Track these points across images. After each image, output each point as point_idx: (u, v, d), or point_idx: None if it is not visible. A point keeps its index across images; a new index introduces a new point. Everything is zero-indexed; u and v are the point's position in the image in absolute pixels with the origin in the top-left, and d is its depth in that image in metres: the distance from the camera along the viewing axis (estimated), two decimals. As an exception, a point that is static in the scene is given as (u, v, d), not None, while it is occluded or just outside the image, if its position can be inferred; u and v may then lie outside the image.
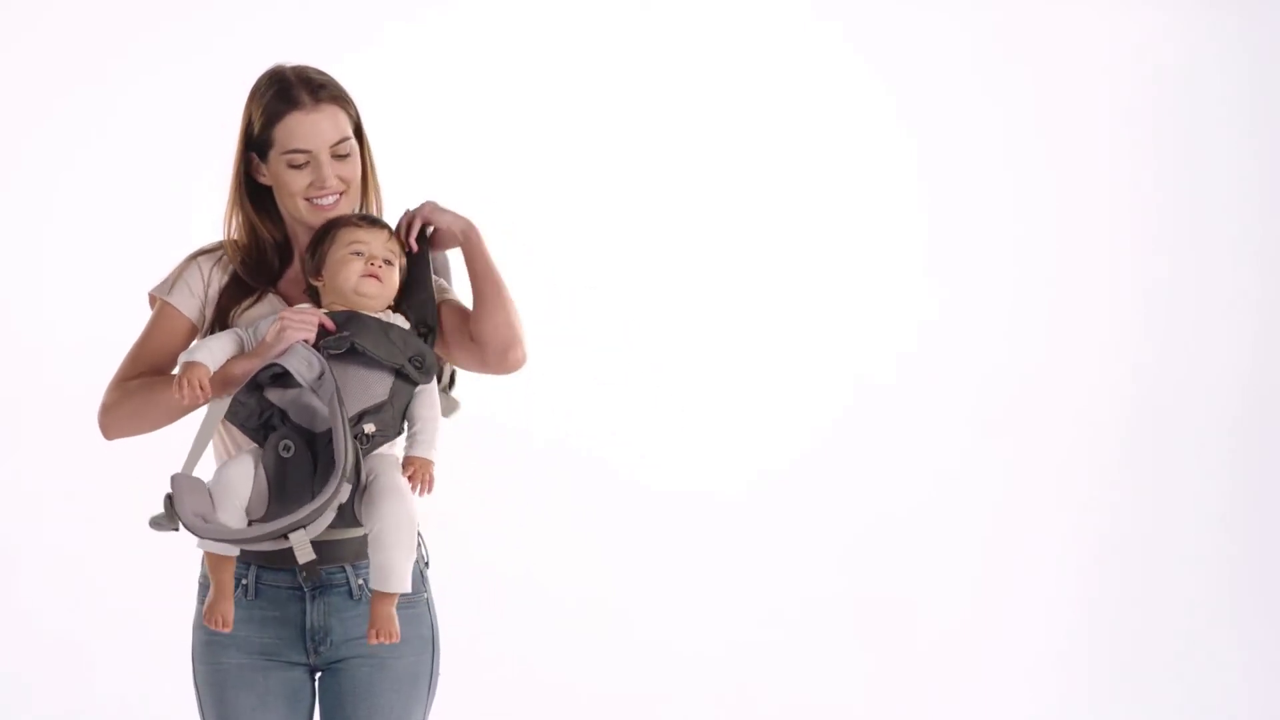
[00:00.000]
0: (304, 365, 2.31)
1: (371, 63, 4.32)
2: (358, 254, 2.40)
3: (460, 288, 2.58)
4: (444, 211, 2.50)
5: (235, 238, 2.53)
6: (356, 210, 2.51)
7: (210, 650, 2.48)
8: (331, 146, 2.44)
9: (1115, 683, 4.83)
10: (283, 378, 2.32)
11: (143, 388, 2.44)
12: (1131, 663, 4.85)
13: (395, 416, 2.38)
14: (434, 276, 2.53)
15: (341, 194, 2.46)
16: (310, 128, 2.43)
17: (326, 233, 2.43)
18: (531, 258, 4.54)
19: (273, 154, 2.45)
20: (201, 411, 2.41)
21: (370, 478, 2.35)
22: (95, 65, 4.42)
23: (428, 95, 4.56)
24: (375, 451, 2.37)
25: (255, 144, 2.47)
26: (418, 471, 2.36)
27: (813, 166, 4.83)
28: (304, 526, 2.27)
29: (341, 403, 2.30)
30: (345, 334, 2.35)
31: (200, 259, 2.53)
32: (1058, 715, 4.76)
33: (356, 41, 4.38)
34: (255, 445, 2.36)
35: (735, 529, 4.75)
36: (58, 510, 4.41)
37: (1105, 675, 4.85)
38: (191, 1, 4.49)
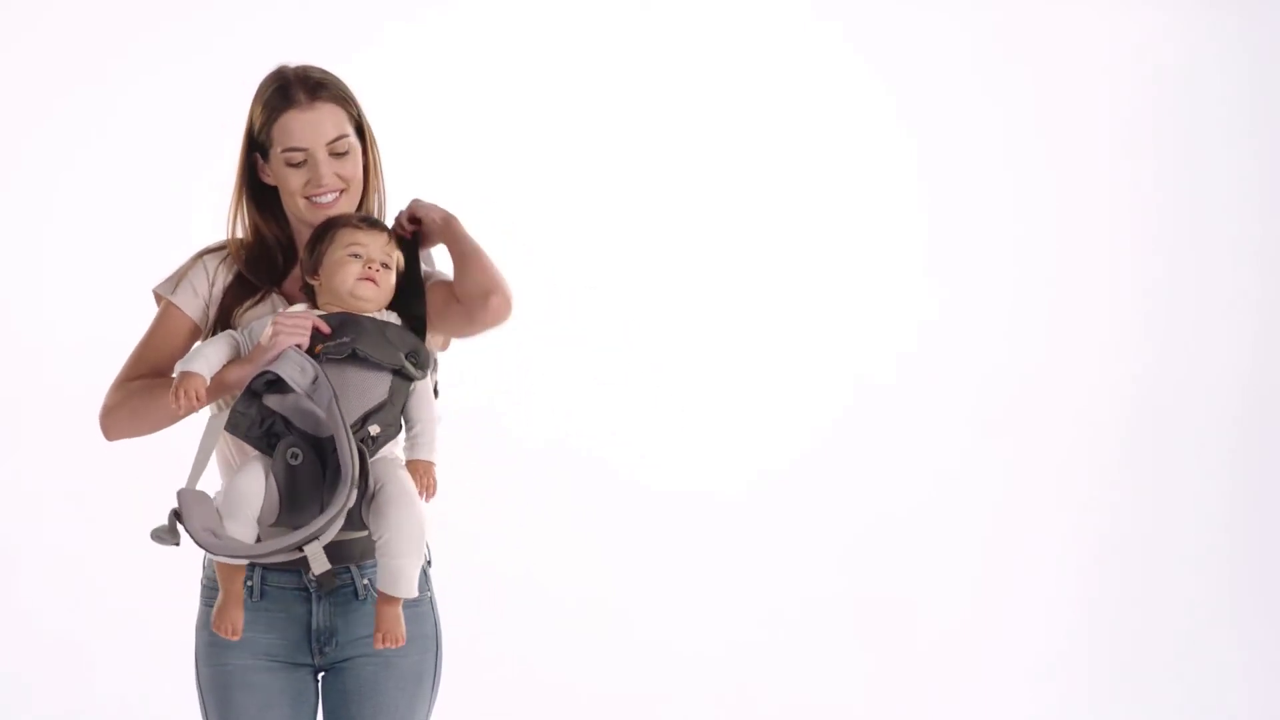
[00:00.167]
0: (297, 371, 2.30)
1: (371, 63, 4.31)
2: (355, 256, 2.39)
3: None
4: (425, 206, 2.51)
5: (241, 237, 2.53)
6: (357, 209, 2.51)
7: (214, 652, 2.48)
8: (329, 144, 2.44)
9: (1115, 683, 4.83)
10: (278, 384, 2.31)
11: (143, 390, 2.44)
12: (1131, 663, 4.85)
13: (396, 414, 2.38)
14: (422, 267, 2.53)
15: (341, 192, 2.46)
16: (306, 126, 2.43)
17: (325, 232, 2.43)
18: (531, 258, 4.55)
19: (273, 153, 2.45)
20: (202, 422, 2.40)
21: (378, 484, 2.34)
22: (95, 65, 4.42)
23: (428, 95, 4.56)
24: (380, 455, 2.37)
25: (257, 143, 2.48)
26: (422, 475, 2.36)
27: (813, 166, 4.83)
28: (317, 538, 2.26)
29: (341, 408, 2.29)
30: (345, 340, 2.34)
31: (206, 257, 2.53)
32: (1058, 715, 4.76)
33: (356, 41, 4.38)
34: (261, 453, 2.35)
35: (735, 529, 4.75)
36: (58, 510, 4.41)
37: (1105, 675, 4.85)
38: (191, 1, 4.49)
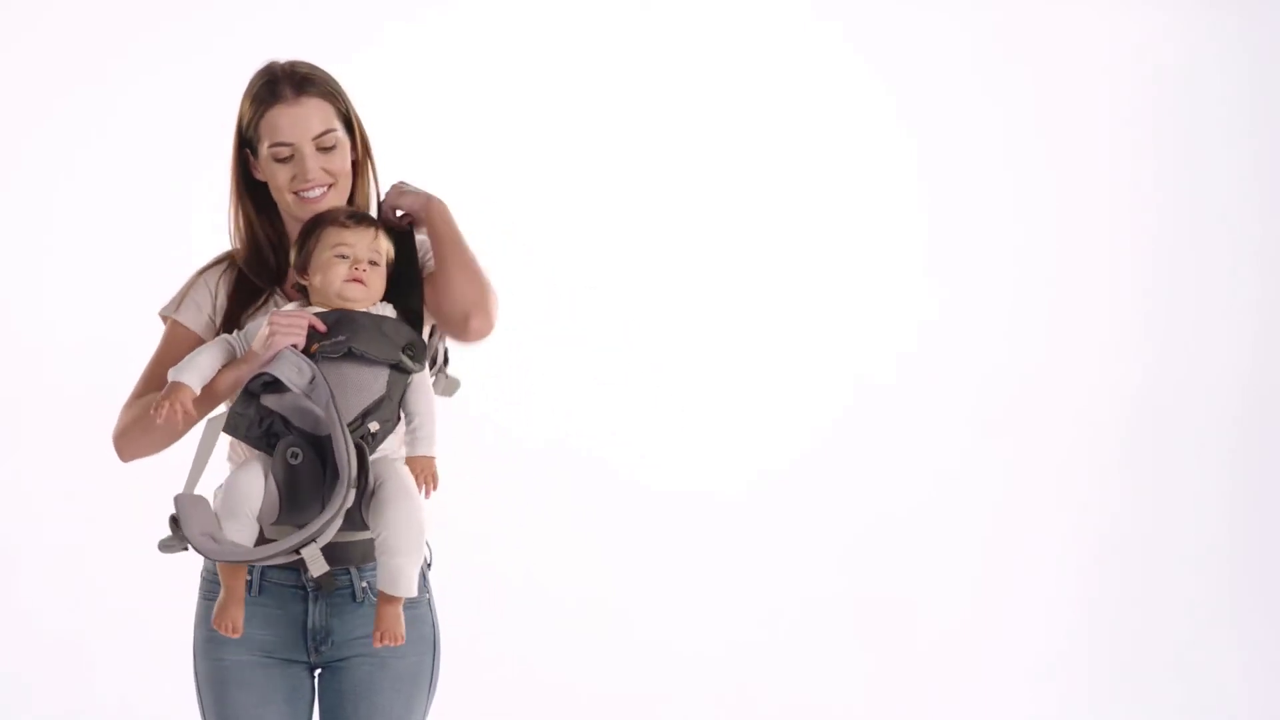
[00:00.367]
0: (294, 371, 2.30)
1: (371, 63, 4.32)
2: (342, 257, 2.38)
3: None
4: (405, 194, 2.50)
5: (239, 241, 2.54)
6: (348, 203, 2.50)
7: (211, 647, 2.48)
8: (315, 139, 2.44)
9: (1115, 683, 4.83)
10: (276, 384, 2.31)
11: (145, 406, 2.44)
12: (1131, 663, 4.85)
13: (394, 408, 2.38)
14: (420, 248, 2.52)
15: (330, 186, 2.46)
16: (292, 120, 2.43)
17: (312, 230, 2.42)
18: (531, 258, 4.55)
19: (261, 149, 2.46)
20: (202, 427, 2.40)
21: (377, 482, 2.33)
22: (95, 65, 4.42)
23: (428, 95, 4.56)
24: (381, 454, 2.37)
25: (247, 140, 2.48)
26: (422, 471, 2.36)
27: (813, 166, 4.83)
28: (315, 540, 2.26)
29: (338, 407, 2.29)
30: (341, 338, 2.33)
31: (206, 274, 2.54)
32: (1058, 715, 4.76)
33: (356, 41, 4.38)
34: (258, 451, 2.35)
35: (735, 529, 4.75)
36: (58, 510, 4.41)
37: (1105, 675, 4.85)
38: (191, 1, 4.49)
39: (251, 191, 2.52)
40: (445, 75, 4.61)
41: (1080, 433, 4.95)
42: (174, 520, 2.29)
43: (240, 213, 2.53)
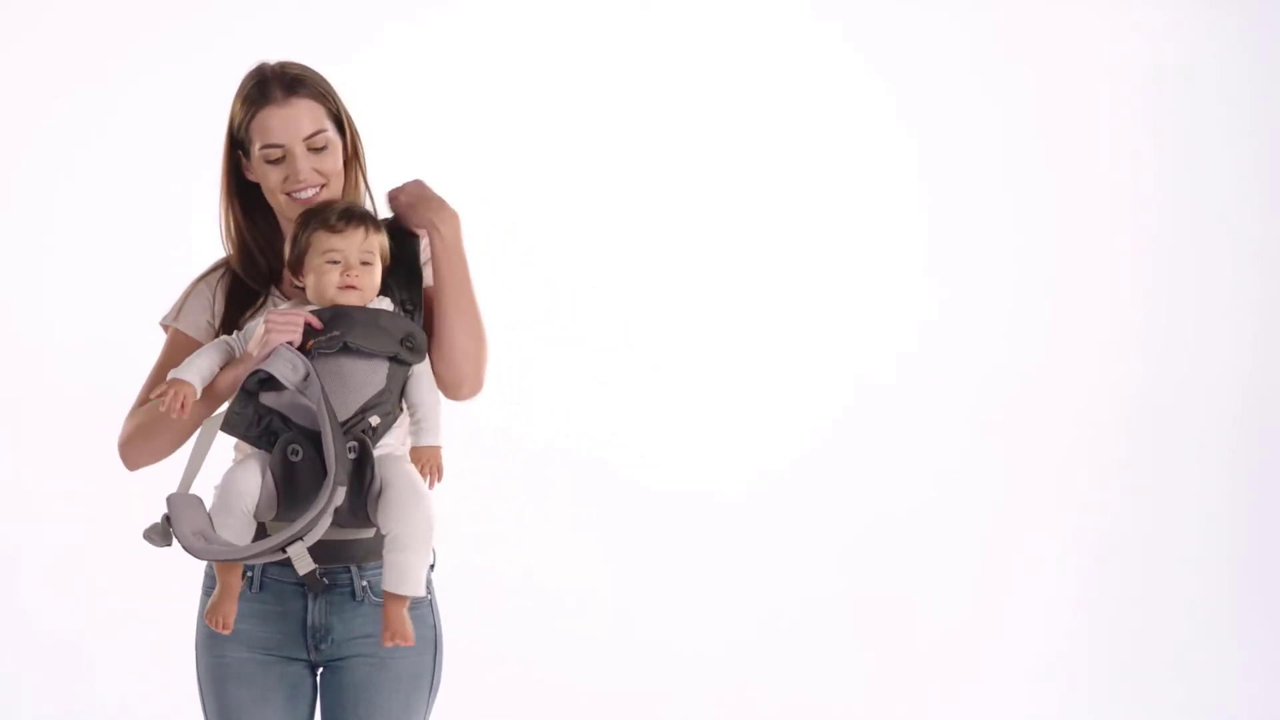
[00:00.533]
0: (288, 368, 2.29)
1: (371, 63, 4.32)
2: (333, 263, 2.37)
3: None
4: (416, 207, 2.47)
5: (232, 245, 2.54)
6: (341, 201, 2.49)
7: (212, 643, 2.48)
8: (305, 140, 2.43)
9: (1115, 683, 4.83)
10: (272, 381, 2.31)
11: (148, 411, 2.44)
12: (1131, 663, 4.85)
13: (394, 400, 2.37)
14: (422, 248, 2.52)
15: (322, 186, 2.45)
16: (282, 122, 2.43)
17: (303, 230, 2.40)
18: (531, 258, 4.56)
19: (253, 150, 2.45)
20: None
21: (385, 481, 2.33)
22: (95, 65, 4.42)
23: (428, 95, 4.56)
24: (386, 452, 2.36)
25: (239, 141, 2.48)
26: (428, 461, 2.37)
27: (813, 166, 4.83)
28: (301, 538, 2.26)
29: (330, 406, 2.28)
30: (337, 333, 2.33)
31: (203, 281, 2.54)
32: (1058, 715, 4.76)
33: (356, 41, 4.38)
34: (259, 449, 2.34)
35: (735, 529, 4.75)
36: (58, 510, 4.41)
37: (1105, 675, 4.84)
38: (191, 1, 4.49)
39: (242, 193, 2.51)
40: (445, 75, 4.61)
41: (1080, 433, 4.95)
42: (166, 519, 2.29)
43: (230, 216, 2.53)
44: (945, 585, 4.82)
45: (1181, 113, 4.99)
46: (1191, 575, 4.97)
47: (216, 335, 2.48)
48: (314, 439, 2.30)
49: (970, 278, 4.90)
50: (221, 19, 4.43)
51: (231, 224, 2.53)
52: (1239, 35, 4.99)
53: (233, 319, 2.49)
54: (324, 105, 2.46)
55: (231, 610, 2.35)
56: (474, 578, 4.11)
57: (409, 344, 2.37)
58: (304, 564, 2.28)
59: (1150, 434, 4.99)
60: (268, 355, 2.31)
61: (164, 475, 2.44)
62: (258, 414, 2.32)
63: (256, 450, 2.35)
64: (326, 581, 2.44)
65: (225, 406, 2.39)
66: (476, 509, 4.28)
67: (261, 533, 2.34)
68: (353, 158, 2.51)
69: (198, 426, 2.42)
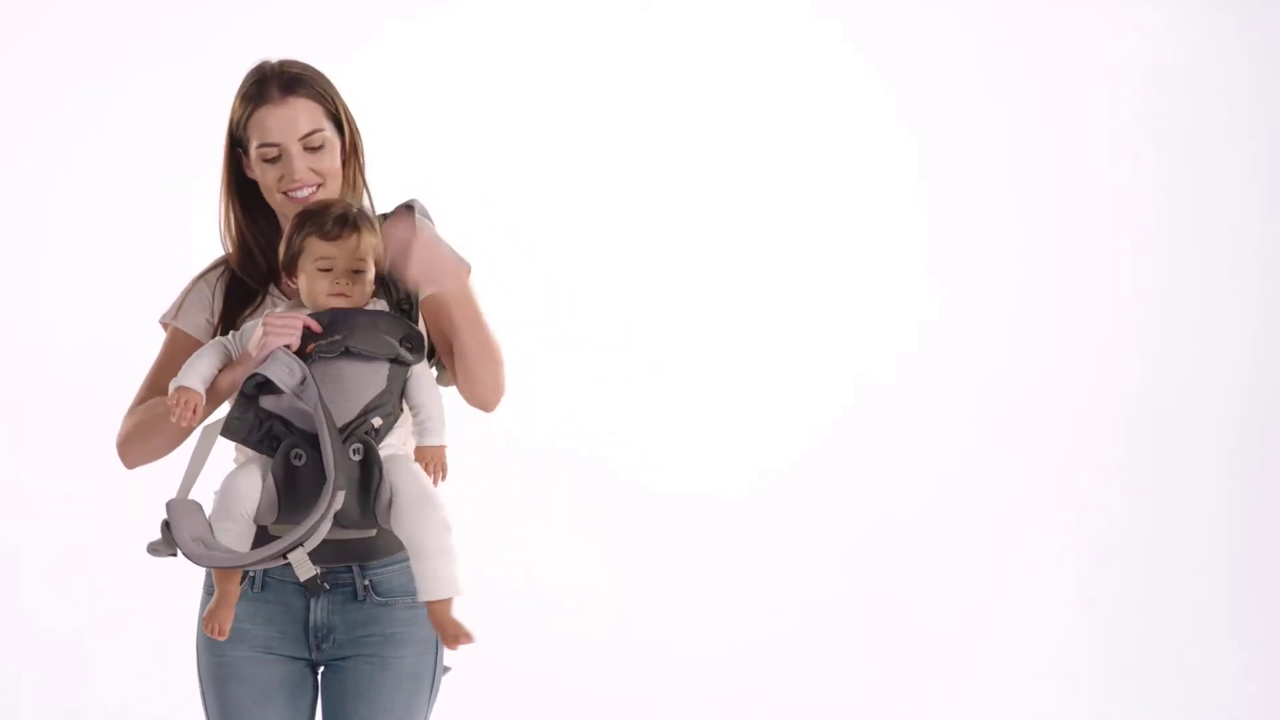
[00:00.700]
0: (285, 372, 2.29)
1: (371, 63, 4.32)
2: (325, 271, 2.37)
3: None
4: (429, 275, 2.36)
5: (232, 243, 2.54)
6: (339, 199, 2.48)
7: (214, 643, 2.48)
8: (302, 139, 2.43)
9: (1115, 683, 4.83)
10: (269, 385, 2.30)
11: (146, 410, 2.44)
12: (1131, 663, 4.85)
13: (396, 401, 2.37)
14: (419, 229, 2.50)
15: (318, 186, 2.45)
16: (278, 121, 2.43)
17: (296, 233, 2.39)
18: (531, 258, 4.55)
19: (251, 149, 2.46)
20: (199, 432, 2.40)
21: (393, 488, 2.33)
22: (95, 65, 4.42)
23: (428, 95, 4.56)
24: (390, 453, 2.36)
25: (238, 140, 2.48)
26: (432, 460, 2.37)
27: (813, 166, 4.83)
28: (302, 544, 2.26)
29: (327, 410, 2.28)
30: (337, 338, 2.33)
31: (203, 279, 2.54)
32: (1058, 715, 4.76)
33: (356, 41, 4.38)
34: (260, 453, 2.34)
35: (735, 529, 4.75)
36: (58, 510, 4.41)
37: (1105, 675, 4.84)
38: (191, 1, 4.49)
39: (242, 191, 2.52)
40: (445, 75, 4.61)
41: (1080, 433, 4.95)
42: (165, 525, 2.29)
43: (230, 213, 2.53)
44: (945, 585, 4.82)
45: (1181, 113, 4.99)
46: (1191, 575, 4.97)
47: (215, 334, 2.48)
48: (317, 443, 2.30)
49: (970, 278, 4.90)
50: (221, 19, 4.43)
51: (231, 222, 2.53)
52: (1239, 35, 4.99)
53: (232, 318, 2.49)
54: (322, 105, 2.46)
55: (228, 617, 2.35)
56: (474, 577, 4.11)
57: (408, 345, 2.38)
58: (305, 570, 2.28)
59: (1150, 434, 4.99)
60: (265, 358, 2.31)
61: (165, 477, 2.44)
62: (258, 419, 2.32)
63: (257, 455, 2.34)
64: (327, 586, 2.43)
65: (224, 412, 2.38)
66: (476, 509, 4.27)
67: (262, 537, 2.33)
68: (351, 156, 2.51)
69: (193, 431, 2.41)
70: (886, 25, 4.84)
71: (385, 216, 2.51)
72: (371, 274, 2.40)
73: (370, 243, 2.39)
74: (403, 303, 2.45)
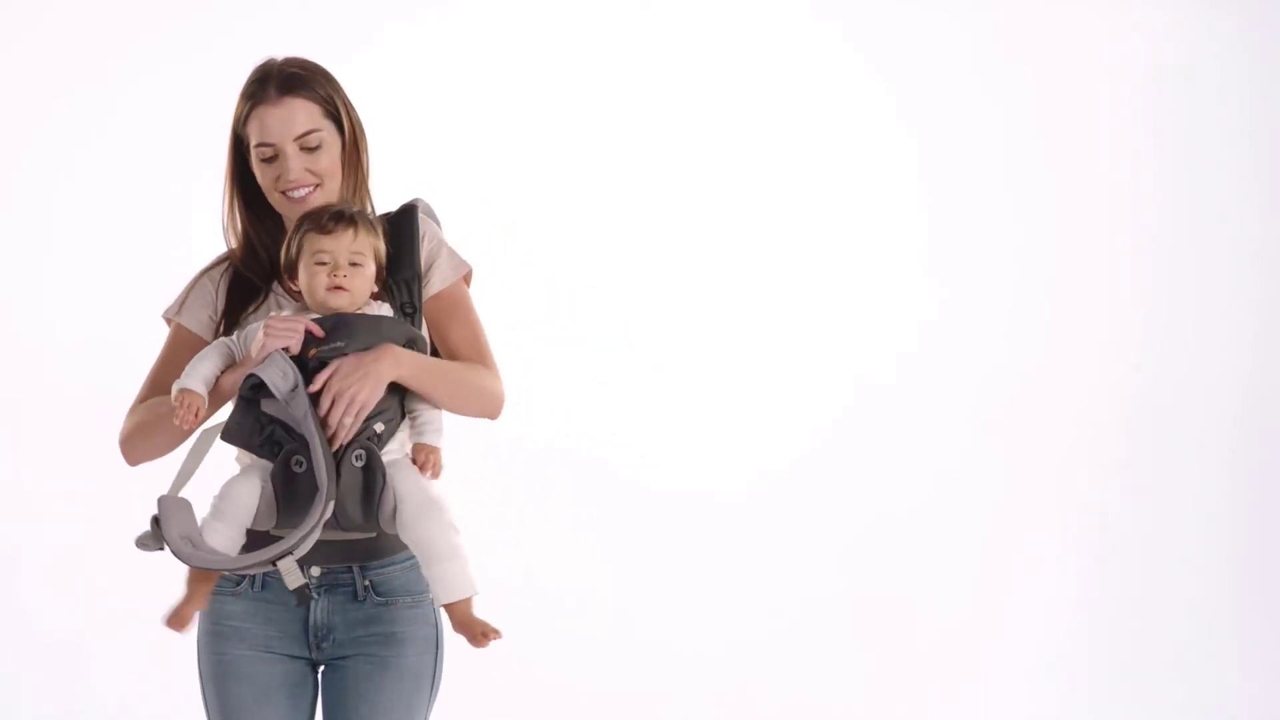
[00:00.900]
0: (279, 376, 2.28)
1: (371, 63, 4.32)
2: (321, 264, 2.36)
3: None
4: (349, 377, 2.30)
5: (236, 239, 2.54)
6: (339, 199, 2.48)
7: (214, 641, 2.48)
8: (298, 139, 2.43)
9: (1115, 683, 4.83)
10: (264, 387, 2.30)
11: (152, 407, 2.44)
12: (1131, 663, 4.85)
13: (397, 406, 2.37)
14: (422, 228, 2.50)
15: (316, 186, 2.45)
16: (274, 121, 2.42)
17: (295, 233, 2.40)
18: (531, 258, 4.55)
19: (250, 148, 2.46)
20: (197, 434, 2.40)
21: (396, 495, 2.32)
22: (95, 65, 4.42)
23: (428, 95, 4.56)
24: (392, 458, 2.36)
25: (240, 139, 2.48)
26: (429, 458, 2.37)
27: (813, 167, 4.83)
28: (291, 553, 2.25)
29: (318, 419, 2.27)
30: (340, 343, 2.32)
31: (206, 275, 2.53)
32: (1058, 715, 4.76)
33: (356, 41, 4.38)
34: (259, 459, 2.33)
35: (735, 529, 4.75)
36: (58, 510, 4.41)
37: (1105, 675, 4.84)
38: (191, 1, 4.49)
39: (245, 187, 2.51)
40: (445, 75, 4.61)
41: (1080, 433, 4.95)
42: (155, 520, 2.29)
43: (234, 208, 2.53)
44: (945, 585, 4.82)
45: (1181, 113, 4.99)
46: (1191, 575, 4.97)
47: (218, 330, 2.48)
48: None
49: (970, 278, 4.90)
50: (221, 19, 4.43)
51: (235, 217, 2.53)
52: (1239, 35, 4.99)
53: (235, 314, 2.48)
54: (320, 105, 2.46)
55: (190, 616, 2.33)
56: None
57: (410, 348, 2.38)
58: (294, 579, 2.28)
59: (1150, 434, 4.99)
60: (263, 360, 2.30)
61: (165, 477, 2.44)
62: (259, 423, 2.31)
63: (258, 460, 2.34)
64: (315, 596, 2.44)
65: (224, 415, 2.38)
66: (477, 509, 4.27)
67: (263, 540, 2.33)
68: (352, 156, 2.51)
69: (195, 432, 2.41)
70: (886, 25, 4.84)
71: (388, 216, 2.51)
72: (371, 270, 2.40)
73: (368, 240, 2.39)
74: (406, 306, 2.45)
